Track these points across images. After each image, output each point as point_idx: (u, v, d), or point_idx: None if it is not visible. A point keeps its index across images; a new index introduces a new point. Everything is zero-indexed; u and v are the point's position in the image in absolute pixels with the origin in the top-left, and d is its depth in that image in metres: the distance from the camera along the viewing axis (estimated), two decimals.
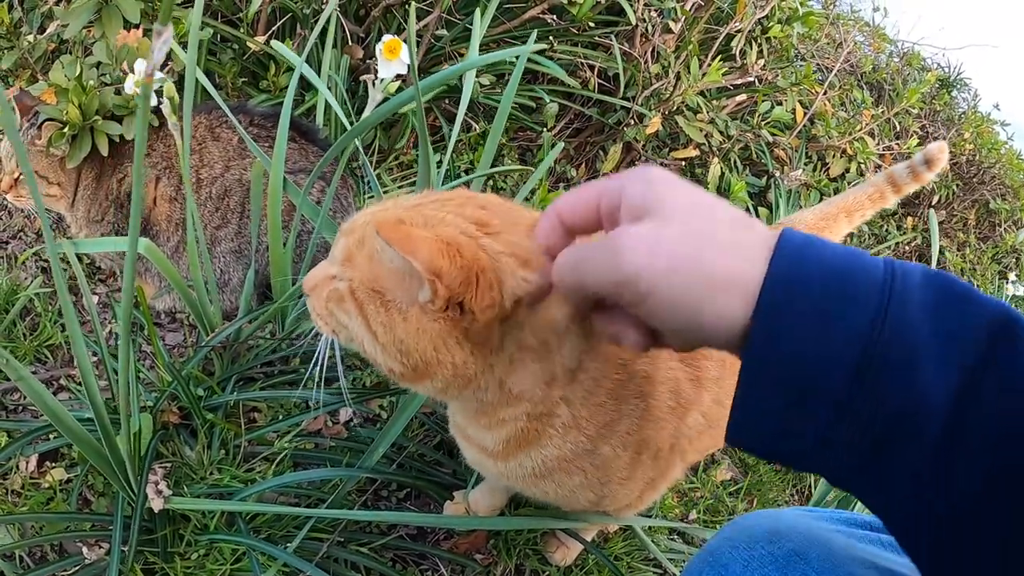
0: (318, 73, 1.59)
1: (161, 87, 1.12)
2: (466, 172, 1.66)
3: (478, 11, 1.18)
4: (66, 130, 1.33)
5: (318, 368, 0.72)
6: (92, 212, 1.44)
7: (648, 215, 0.46)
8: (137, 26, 1.38)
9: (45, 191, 1.44)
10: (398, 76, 1.08)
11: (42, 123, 1.33)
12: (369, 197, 1.56)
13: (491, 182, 1.87)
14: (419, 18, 1.59)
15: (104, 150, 1.37)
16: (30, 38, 1.71)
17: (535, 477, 0.77)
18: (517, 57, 1.14)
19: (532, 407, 0.68)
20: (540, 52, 1.67)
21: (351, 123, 1.27)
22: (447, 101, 1.74)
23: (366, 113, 1.09)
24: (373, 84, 1.07)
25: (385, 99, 1.09)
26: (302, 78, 1.24)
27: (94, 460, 1.05)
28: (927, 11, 2.86)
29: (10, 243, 1.63)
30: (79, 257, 1.59)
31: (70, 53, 1.82)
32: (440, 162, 1.67)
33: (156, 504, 1.09)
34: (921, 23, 3.07)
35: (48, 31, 1.79)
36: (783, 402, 0.44)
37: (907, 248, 2.45)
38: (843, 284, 0.43)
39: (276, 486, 1.14)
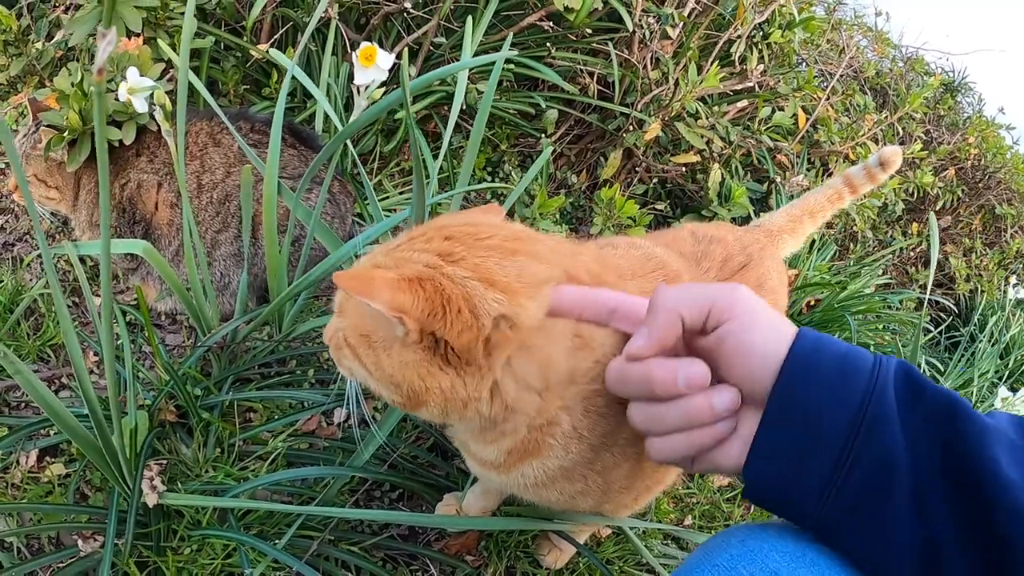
0: (316, 81, 1.61)
1: (152, 94, 1.14)
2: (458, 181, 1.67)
3: (470, 18, 1.20)
4: (65, 135, 1.36)
5: (353, 408, 0.78)
6: (95, 216, 1.46)
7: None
8: (139, 34, 1.41)
9: (44, 194, 1.48)
10: (383, 84, 1.10)
11: (39, 127, 1.35)
12: (366, 202, 1.58)
13: (491, 186, 1.89)
14: (418, 26, 1.61)
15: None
16: (38, 45, 1.75)
17: (537, 487, 0.78)
18: (514, 62, 1.15)
19: (531, 418, 0.69)
20: (538, 59, 1.69)
21: (341, 119, 1.28)
22: (446, 108, 1.76)
23: (352, 118, 1.11)
24: (359, 92, 1.09)
25: (373, 103, 1.11)
26: (303, 86, 1.27)
27: (90, 455, 1.07)
28: (932, 17, 2.86)
29: (16, 245, 1.66)
30: (82, 259, 1.62)
31: (76, 60, 1.86)
32: (441, 169, 1.69)
33: (150, 499, 1.11)
34: (926, 29, 3.06)
35: (55, 39, 1.83)
36: (794, 445, 0.54)
37: (912, 254, 2.44)
38: (845, 364, 0.54)
39: (267, 483, 1.16)
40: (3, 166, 1.80)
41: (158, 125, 1.41)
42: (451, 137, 1.77)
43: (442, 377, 0.63)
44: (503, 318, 0.60)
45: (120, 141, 1.44)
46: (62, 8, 1.99)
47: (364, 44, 1.04)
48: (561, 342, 0.64)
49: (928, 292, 1.37)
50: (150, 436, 1.18)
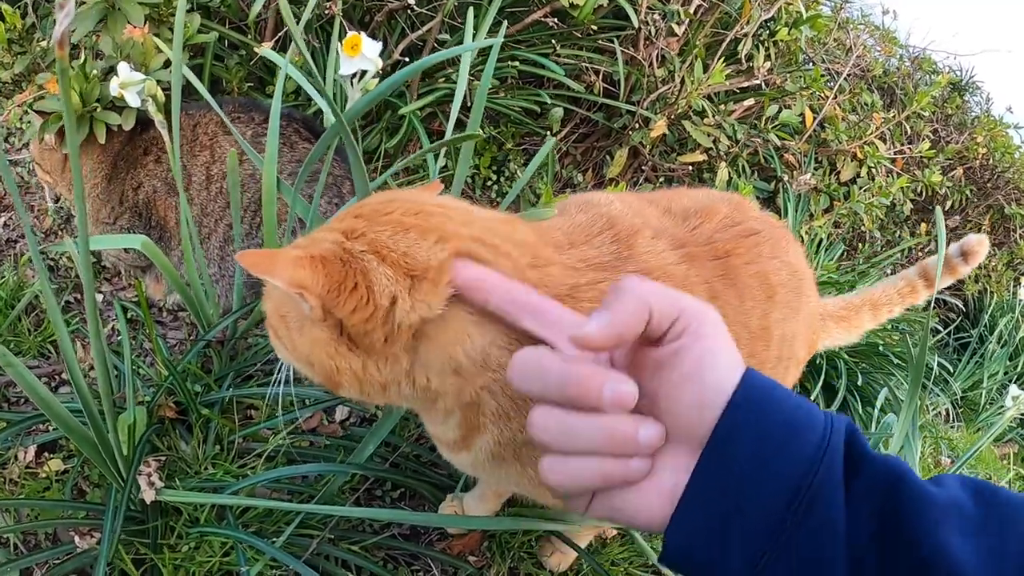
0: (324, 79, 1.60)
1: (143, 86, 1.13)
2: (470, 179, 1.66)
3: (471, 9, 1.19)
4: (63, 116, 1.35)
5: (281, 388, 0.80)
6: (102, 213, 1.45)
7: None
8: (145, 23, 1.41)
9: (43, 177, 1.48)
10: (378, 75, 1.08)
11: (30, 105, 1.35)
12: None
13: (496, 186, 1.87)
14: (422, 23, 1.61)
15: (101, 138, 1.38)
16: (43, 44, 1.75)
17: (493, 466, 0.75)
18: (519, 59, 1.14)
19: (457, 397, 0.66)
20: (543, 56, 1.68)
21: (360, 126, 1.27)
22: (451, 105, 1.75)
23: (348, 107, 1.09)
24: (351, 83, 1.07)
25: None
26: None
27: (86, 450, 1.06)
28: (939, 17, 2.84)
29: (19, 242, 1.66)
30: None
31: (79, 58, 1.86)
32: (445, 167, 1.68)
33: (148, 496, 1.10)
34: (934, 29, 3.05)
35: None
36: (730, 503, 0.45)
37: (920, 254, 2.41)
38: (795, 418, 0.46)
39: (266, 480, 1.14)
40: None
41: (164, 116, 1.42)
42: (455, 135, 1.77)
43: (351, 358, 0.62)
44: (397, 299, 0.58)
45: (127, 136, 1.43)
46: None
47: (350, 34, 1.02)
48: (464, 328, 0.60)
49: (935, 288, 1.31)
50: (148, 432, 1.16)
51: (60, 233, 1.68)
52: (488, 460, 0.74)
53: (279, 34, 1.70)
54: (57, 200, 1.72)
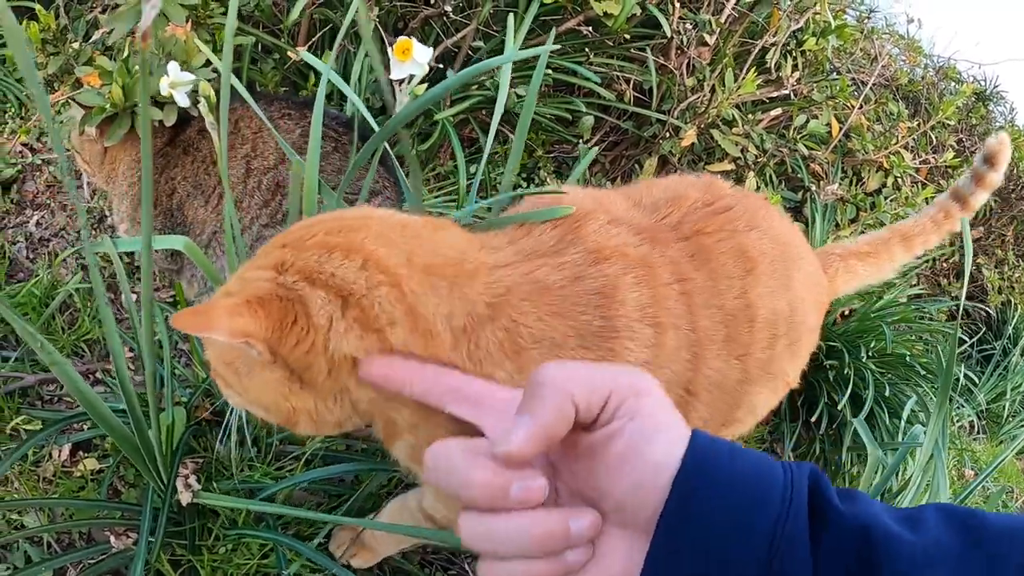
0: (349, 82, 1.61)
1: (196, 86, 1.14)
2: (495, 186, 1.66)
3: (511, 16, 1.19)
4: (107, 108, 1.36)
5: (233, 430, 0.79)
6: (139, 213, 1.45)
7: None
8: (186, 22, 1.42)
9: (79, 164, 1.48)
10: (423, 81, 1.08)
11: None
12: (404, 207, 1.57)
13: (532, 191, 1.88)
14: (456, 30, 1.61)
15: (143, 133, 1.38)
16: (75, 45, 1.76)
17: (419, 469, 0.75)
18: (552, 67, 1.14)
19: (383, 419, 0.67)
20: (578, 63, 1.68)
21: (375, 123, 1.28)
22: (484, 112, 1.76)
23: (395, 113, 1.10)
24: (399, 87, 1.08)
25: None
26: (337, 87, 1.26)
27: (126, 450, 1.06)
28: (962, 25, 2.84)
29: (52, 241, 1.67)
30: (120, 256, 1.62)
31: (114, 59, 1.87)
32: (475, 173, 1.68)
33: (184, 498, 1.10)
34: (957, 38, 3.04)
35: (93, 37, 1.84)
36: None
37: (945, 265, 2.41)
38: (751, 480, 0.43)
39: (304, 482, 1.15)
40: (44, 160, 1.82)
41: (199, 116, 1.42)
42: (483, 141, 1.77)
43: (304, 398, 0.61)
44: (332, 320, 0.58)
45: (159, 134, 1.43)
46: (100, 8, 2.01)
47: (400, 38, 1.02)
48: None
49: (963, 298, 1.30)
50: (187, 433, 1.17)
51: (94, 233, 1.69)
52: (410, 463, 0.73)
53: (313, 39, 1.71)
54: (91, 199, 1.73)
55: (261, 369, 0.61)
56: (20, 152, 1.83)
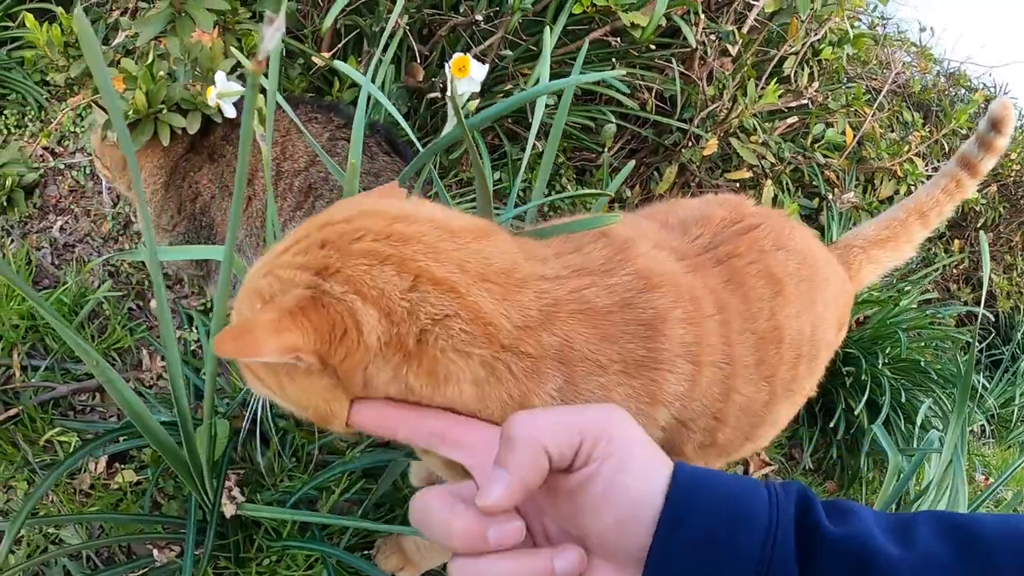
0: (382, 89, 1.61)
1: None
2: (523, 192, 1.67)
3: (547, 32, 1.20)
4: (131, 113, 1.35)
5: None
6: (162, 219, 1.44)
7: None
8: (215, 28, 1.42)
9: (100, 170, 1.47)
10: (472, 95, 1.09)
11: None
12: None
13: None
14: (484, 38, 1.62)
15: (165, 140, 1.37)
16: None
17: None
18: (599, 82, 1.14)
19: None
20: (601, 72, 1.69)
21: (417, 139, 1.28)
22: (508, 120, 1.77)
23: (445, 130, 1.11)
24: (450, 103, 1.08)
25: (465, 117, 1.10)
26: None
27: (172, 463, 1.06)
28: (969, 28, 2.85)
29: (77, 247, 1.66)
30: (144, 263, 1.62)
31: (136, 62, 1.86)
32: (499, 180, 1.69)
33: (228, 510, 1.11)
34: (963, 41, 3.05)
35: (116, 41, 1.83)
36: None
37: (955, 271, 2.44)
38: (736, 509, 0.45)
39: (346, 494, 1.16)
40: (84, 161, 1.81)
41: (221, 119, 1.42)
42: (509, 149, 1.78)
43: (345, 403, 0.59)
44: (385, 345, 0.56)
45: (181, 140, 1.43)
46: (119, 11, 2.00)
47: (457, 55, 1.03)
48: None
49: (981, 307, 1.31)
50: (230, 444, 1.17)
51: (119, 239, 1.68)
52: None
53: (338, 45, 1.71)
54: (115, 204, 1.73)
55: (306, 375, 0.59)
56: (41, 156, 1.82)
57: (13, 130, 1.87)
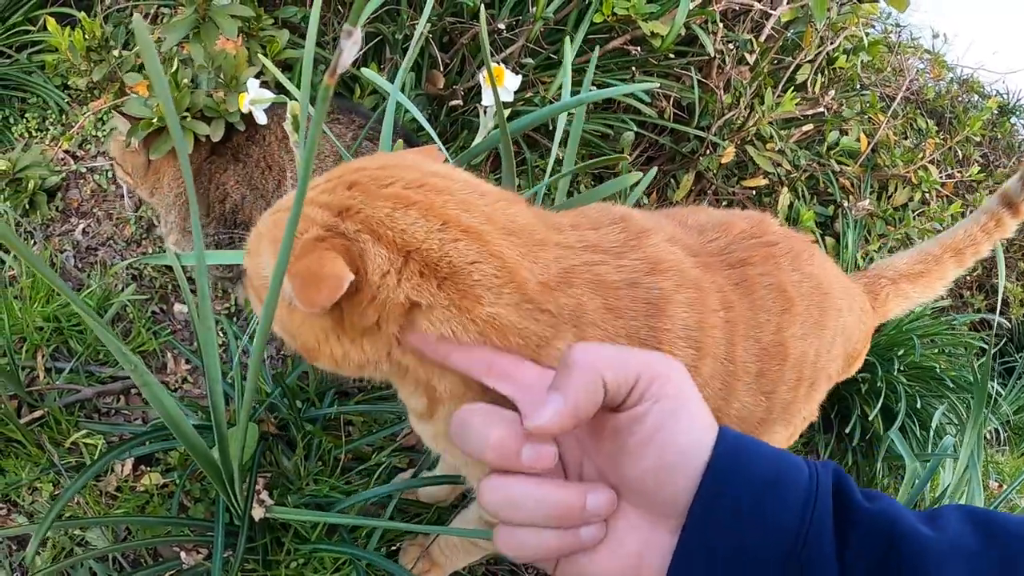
0: (404, 92, 1.62)
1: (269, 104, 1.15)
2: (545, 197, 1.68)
3: (567, 43, 1.21)
4: (154, 122, 1.36)
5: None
6: (188, 222, 1.45)
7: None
8: (239, 35, 1.43)
9: (122, 176, 1.48)
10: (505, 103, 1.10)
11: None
12: None
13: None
14: (505, 46, 1.63)
15: (189, 147, 1.39)
16: (116, 52, 1.77)
17: (447, 441, 0.73)
18: (596, 84, 1.16)
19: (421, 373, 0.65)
20: (622, 81, 1.70)
21: (442, 148, 1.30)
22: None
23: (477, 140, 1.12)
24: (484, 112, 1.10)
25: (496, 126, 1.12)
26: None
27: (204, 467, 1.07)
28: (980, 34, 2.85)
29: (100, 250, 1.68)
30: (169, 266, 1.64)
31: (170, 66, 1.88)
32: (519, 187, 1.70)
33: (256, 513, 1.12)
34: (975, 47, 3.05)
35: (136, 46, 1.84)
36: (716, 570, 0.44)
37: (969, 278, 2.45)
38: (778, 477, 0.45)
39: (373, 497, 1.16)
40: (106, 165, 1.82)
41: (244, 125, 1.43)
42: (528, 156, 1.79)
43: (336, 345, 0.60)
44: (388, 273, 0.56)
45: (203, 146, 1.44)
46: (143, 15, 2.01)
47: (492, 65, 1.05)
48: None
49: (997, 314, 1.32)
50: (259, 448, 1.18)
51: (142, 242, 1.70)
52: (445, 435, 0.70)
53: (360, 50, 1.72)
54: (137, 208, 1.74)
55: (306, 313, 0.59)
56: (63, 159, 1.83)
57: (35, 133, 1.89)
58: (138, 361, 0.88)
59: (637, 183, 1.24)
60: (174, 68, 1.50)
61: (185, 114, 1.42)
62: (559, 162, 1.83)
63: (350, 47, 0.49)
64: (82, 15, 1.74)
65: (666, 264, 0.72)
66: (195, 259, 0.82)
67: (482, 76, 1.07)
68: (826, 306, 0.89)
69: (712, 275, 0.77)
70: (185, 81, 1.45)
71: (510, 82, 1.00)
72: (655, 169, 1.22)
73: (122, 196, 1.76)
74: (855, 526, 0.43)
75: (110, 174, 1.80)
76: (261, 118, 1.14)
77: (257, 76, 1.49)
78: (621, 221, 0.74)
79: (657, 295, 0.69)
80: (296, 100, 1.08)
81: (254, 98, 1.12)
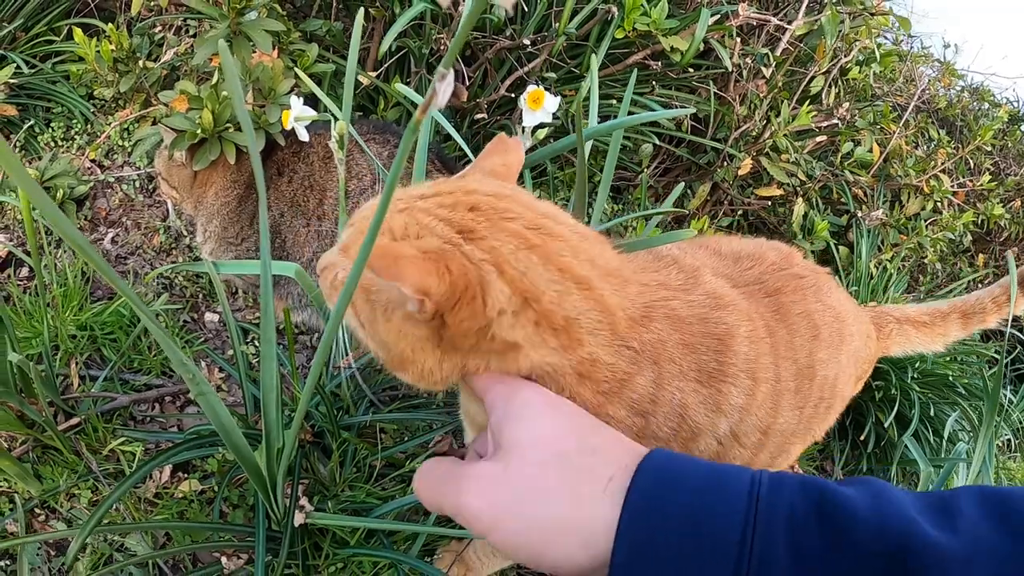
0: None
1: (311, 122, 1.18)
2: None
3: (593, 57, 1.24)
4: (198, 133, 1.39)
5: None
6: (229, 232, 1.47)
7: (497, 448, 0.52)
8: (274, 49, 1.46)
9: (167, 191, 1.51)
10: (541, 124, 1.14)
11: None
12: None
13: (587, 219, 1.93)
14: (528, 60, 1.66)
15: (231, 158, 1.42)
16: (140, 63, 1.80)
17: None
18: (616, 98, 1.18)
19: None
20: (641, 94, 1.74)
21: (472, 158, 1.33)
22: (549, 139, 1.81)
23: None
24: (522, 131, 1.13)
25: (533, 147, 1.15)
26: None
27: (250, 474, 1.10)
28: (989, 40, 2.88)
29: (129, 259, 1.70)
30: (199, 275, 1.67)
31: (181, 78, 1.91)
32: (539, 198, 1.73)
33: (297, 519, 1.15)
34: (984, 53, 3.07)
35: (164, 58, 1.87)
36: None
37: (979, 286, 2.47)
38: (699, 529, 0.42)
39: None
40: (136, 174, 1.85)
41: (285, 140, 1.46)
42: (549, 167, 1.83)
43: (430, 356, 0.61)
44: (504, 313, 0.58)
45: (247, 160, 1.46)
46: (163, 26, 2.04)
47: (531, 87, 1.08)
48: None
49: (1009, 323, 1.34)
50: (298, 455, 1.21)
51: (172, 251, 1.73)
52: None
53: (383, 64, 1.75)
54: (165, 218, 1.77)
55: (404, 319, 0.60)
56: (89, 169, 1.86)
57: (60, 143, 1.92)
58: (195, 370, 0.91)
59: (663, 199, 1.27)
60: (215, 81, 1.54)
61: (227, 126, 1.45)
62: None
63: (444, 89, 0.52)
64: (110, 27, 1.77)
65: (727, 299, 0.78)
66: (258, 268, 0.86)
67: (523, 99, 1.10)
68: (843, 334, 0.96)
69: (756, 305, 0.84)
70: (224, 94, 1.48)
71: (550, 103, 1.03)
72: (681, 184, 1.25)
73: (151, 205, 1.79)
74: (850, 533, 0.39)
75: (138, 184, 1.83)
76: (303, 135, 1.17)
77: (291, 90, 1.52)
78: (674, 263, 0.81)
79: (723, 330, 0.74)
80: (339, 119, 1.12)
81: (298, 115, 1.15)
